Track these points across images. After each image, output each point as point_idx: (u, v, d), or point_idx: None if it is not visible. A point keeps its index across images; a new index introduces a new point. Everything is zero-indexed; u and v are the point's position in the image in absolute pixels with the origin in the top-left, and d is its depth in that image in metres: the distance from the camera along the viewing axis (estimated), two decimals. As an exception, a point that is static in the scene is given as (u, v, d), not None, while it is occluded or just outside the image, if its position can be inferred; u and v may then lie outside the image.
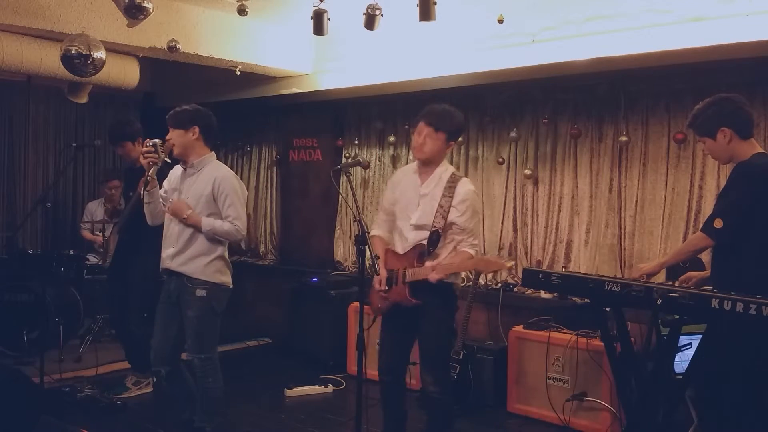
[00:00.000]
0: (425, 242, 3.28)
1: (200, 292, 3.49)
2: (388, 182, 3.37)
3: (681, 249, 3.31)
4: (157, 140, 3.52)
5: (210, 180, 3.53)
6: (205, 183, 3.53)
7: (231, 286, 3.65)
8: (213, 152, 3.68)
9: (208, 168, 3.59)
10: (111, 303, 5.09)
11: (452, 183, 3.29)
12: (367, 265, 4.31)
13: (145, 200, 3.57)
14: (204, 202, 3.51)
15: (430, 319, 3.31)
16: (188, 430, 3.70)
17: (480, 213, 3.67)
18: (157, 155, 3.48)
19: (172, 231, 3.59)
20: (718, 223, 2.96)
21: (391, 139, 5.90)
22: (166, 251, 3.61)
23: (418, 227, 3.31)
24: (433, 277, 3.14)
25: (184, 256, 3.53)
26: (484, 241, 5.38)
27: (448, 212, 3.24)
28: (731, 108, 3.05)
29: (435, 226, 3.25)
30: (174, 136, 3.55)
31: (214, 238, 3.52)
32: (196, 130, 3.56)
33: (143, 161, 3.52)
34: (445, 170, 3.36)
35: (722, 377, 3.00)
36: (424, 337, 3.36)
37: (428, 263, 3.24)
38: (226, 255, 3.62)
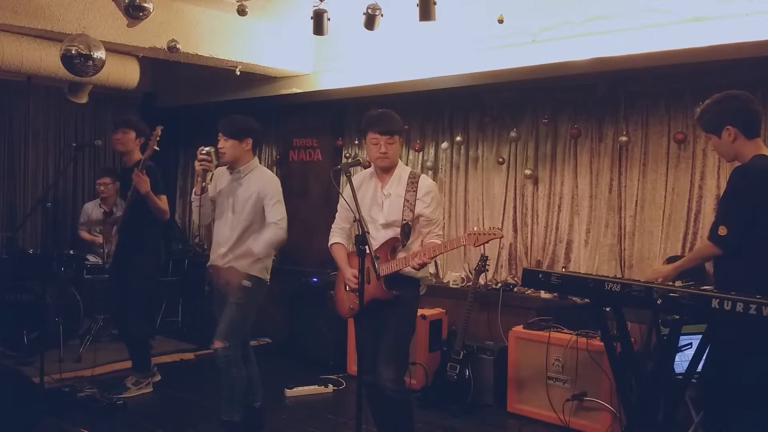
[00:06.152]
0: (399, 236, 3.37)
1: (246, 282, 3.75)
2: (348, 189, 3.33)
3: (692, 256, 3.30)
4: (211, 148, 3.76)
5: (257, 186, 3.80)
6: (252, 188, 3.80)
7: (268, 282, 3.93)
8: (255, 157, 3.93)
9: (253, 174, 3.85)
10: (111, 303, 5.08)
11: (413, 179, 3.43)
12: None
13: (195, 204, 3.83)
14: (251, 205, 3.80)
15: (400, 312, 3.37)
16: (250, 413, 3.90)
17: (442, 204, 3.80)
18: (211, 162, 3.76)
19: (222, 233, 3.86)
20: (722, 230, 2.95)
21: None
22: (217, 251, 3.85)
23: (388, 225, 3.40)
24: (416, 262, 3.22)
25: (234, 254, 3.77)
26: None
27: (415, 205, 3.37)
28: (739, 106, 3.02)
29: (405, 219, 3.37)
30: (228, 145, 3.79)
31: (270, 250, 3.80)
32: (249, 141, 3.84)
33: (197, 167, 3.76)
34: (403, 170, 3.50)
35: (722, 377, 3.00)
36: (390, 330, 3.36)
37: (401, 255, 3.34)
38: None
